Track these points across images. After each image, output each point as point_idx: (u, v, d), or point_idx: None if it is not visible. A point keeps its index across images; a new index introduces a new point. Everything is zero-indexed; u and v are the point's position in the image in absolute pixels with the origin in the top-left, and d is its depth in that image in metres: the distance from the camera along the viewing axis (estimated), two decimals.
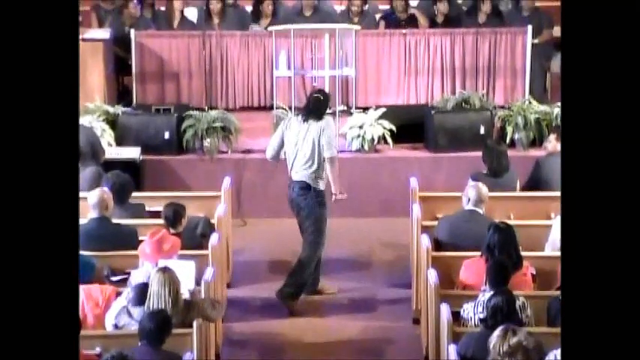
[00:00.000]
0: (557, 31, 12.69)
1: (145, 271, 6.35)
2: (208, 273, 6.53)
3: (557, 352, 5.03)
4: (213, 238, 7.16)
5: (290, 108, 10.29)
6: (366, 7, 12.71)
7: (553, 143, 8.66)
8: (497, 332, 5.01)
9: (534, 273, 6.53)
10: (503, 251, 6.32)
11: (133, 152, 9.86)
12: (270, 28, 11.30)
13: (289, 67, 10.82)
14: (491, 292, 5.66)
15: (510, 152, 8.75)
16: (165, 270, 5.83)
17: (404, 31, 11.76)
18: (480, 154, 8.48)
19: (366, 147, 10.20)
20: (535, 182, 8.40)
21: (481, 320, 5.64)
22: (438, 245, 7.20)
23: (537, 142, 10.15)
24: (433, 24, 12.10)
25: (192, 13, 12.44)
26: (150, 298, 5.74)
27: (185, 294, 5.94)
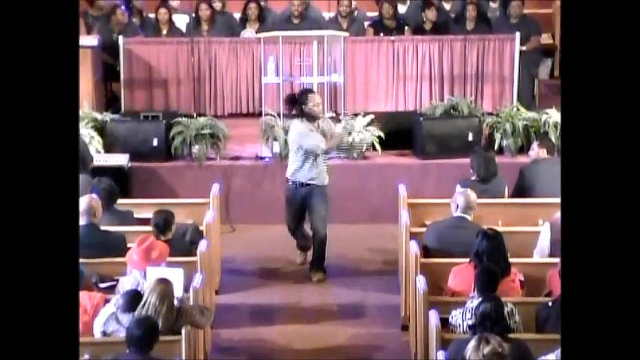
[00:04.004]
0: (544, 38, 12.77)
1: (133, 278, 6.35)
2: (197, 280, 6.52)
3: (550, 357, 5.04)
4: (202, 245, 7.15)
5: (279, 115, 10.29)
6: (355, 13, 12.74)
7: (536, 150, 8.72)
8: (471, 343, 5.00)
9: (522, 279, 6.55)
10: (492, 258, 6.32)
11: (121, 159, 9.84)
12: (258, 35, 11.32)
13: (278, 74, 10.83)
14: (480, 299, 5.66)
15: (498, 159, 8.78)
16: (166, 283, 5.82)
17: (392, 37, 11.79)
18: (468, 160, 8.51)
19: (354, 153, 10.21)
20: (520, 190, 8.44)
21: (470, 327, 5.65)
22: (426, 252, 7.21)
23: (525, 148, 10.17)
24: (421, 31, 12.12)
25: (180, 21, 12.44)
26: (144, 307, 5.72)
27: (174, 301, 5.94)
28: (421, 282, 6.42)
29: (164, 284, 5.81)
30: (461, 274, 6.51)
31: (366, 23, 12.54)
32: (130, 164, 9.89)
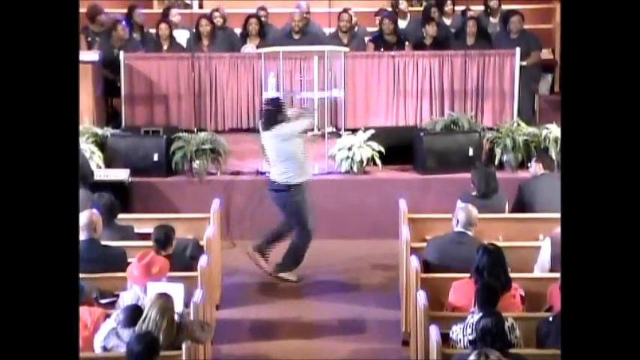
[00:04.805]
0: (545, 53, 12.78)
1: (133, 293, 6.34)
2: (197, 295, 6.52)
3: None
4: (202, 260, 7.15)
5: None
6: (355, 29, 12.76)
7: (533, 166, 8.74)
8: (470, 358, 5.01)
9: (523, 294, 6.54)
10: (492, 273, 6.32)
11: (122, 174, 9.84)
12: (259, 50, 11.34)
13: (278, 89, 10.84)
14: (481, 314, 5.66)
15: (499, 174, 8.77)
16: (167, 298, 5.81)
17: (392, 53, 11.81)
18: (468, 175, 8.51)
19: (355, 169, 10.21)
20: (520, 206, 8.44)
21: (470, 342, 5.64)
22: (426, 267, 7.21)
23: (526, 163, 10.17)
24: (422, 46, 12.14)
25: (181, 36, 12.47)
26: (145, 322, 5.71)
27: (174, 316, 5.93)
28: (421, 297, 6.42)
29: (164, 299, 5.80)
30: (461, 289, 6.50)
31: (367, 38, 12.56)
32: (130, 179, 9.89)
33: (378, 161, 10.25)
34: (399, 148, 10.51)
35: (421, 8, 13.68)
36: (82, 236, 7.03)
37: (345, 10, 12.59)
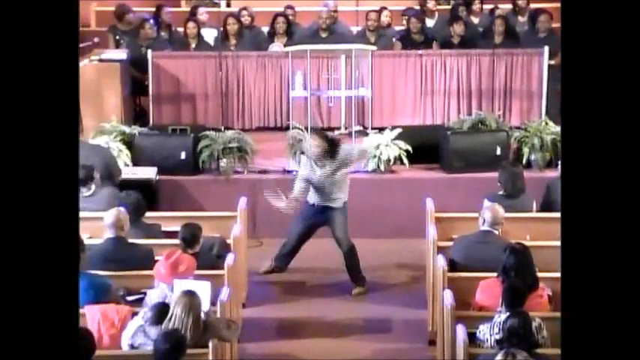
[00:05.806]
0: None
1: (160, 291, 6.36)
2: (224, 293, 6.53)
3: None
4: (229, 259, 7.17)
5: (306, 128, 10.29)
6: (384, 28, 12.75)
7: None
8: (498, 358, 4.99)
9: (550, 294, 6.51)
10: (519, 273, 6.30)
11: (149, 172, 9.87)
12: (286, 49, 11.35)
13: (305, 88, 10.85)
14: (508, 314, 5.64)
15: (526, 173, 8.73)
16: (192, 295, 5.82)
17: (420, 51, 11.79)
18: (495, 175, 8.47)
19: (382, 167, 10.19)
20: (547, 205, 8.39)
21: (497, 342, 5.62)
22: (452, 266, 7.18)
23: (553, 163, 10.13)
24: (449, 45, 12.11)
25: (208, 35, 12.50)
26: (171, 320, 5.73)
27: (200, 313, 5.94)
28: (448, 296, 6.40)
29: (190, 296, 5.81)
30: (488, 288, 6.48)
31: (394, 37, 12.54)
32: (157, 177, 9.92)
33: (405, 160, 10.22)
34: (426, 147, 10.46)
35: (449, 7, 13.65)
36: (109, 234, 7.08)
37: (380, 10, 12.61)
